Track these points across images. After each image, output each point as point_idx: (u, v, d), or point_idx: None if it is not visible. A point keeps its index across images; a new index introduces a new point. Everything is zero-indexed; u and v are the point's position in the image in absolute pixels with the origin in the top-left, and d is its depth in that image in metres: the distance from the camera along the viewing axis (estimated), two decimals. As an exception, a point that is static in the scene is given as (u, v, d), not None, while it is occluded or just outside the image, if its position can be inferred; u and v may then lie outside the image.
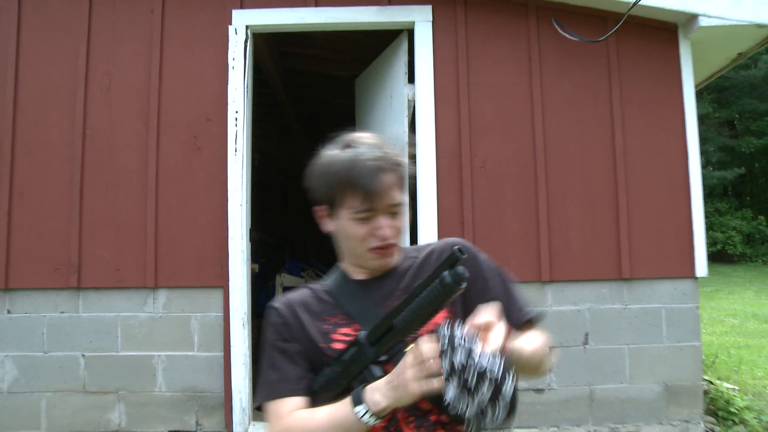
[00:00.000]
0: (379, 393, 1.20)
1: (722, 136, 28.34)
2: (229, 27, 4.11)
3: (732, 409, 4.53)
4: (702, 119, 27.52)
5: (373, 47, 4.71)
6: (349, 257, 1.48)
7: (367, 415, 1.21)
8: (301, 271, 6.11)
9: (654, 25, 4.20)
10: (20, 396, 4.01)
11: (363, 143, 1.40)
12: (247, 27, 4.12)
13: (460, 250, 1.15)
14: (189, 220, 4.02)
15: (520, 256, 4.04)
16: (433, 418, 1.37)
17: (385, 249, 1.42)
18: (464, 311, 1.38)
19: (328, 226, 1.45)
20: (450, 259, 1.13)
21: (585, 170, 4.13)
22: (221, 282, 3.98)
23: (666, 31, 4.21)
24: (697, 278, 4.25)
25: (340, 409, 1.26)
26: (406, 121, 4.17)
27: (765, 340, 8.74)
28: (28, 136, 4.08)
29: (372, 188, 1.34)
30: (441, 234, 3.98)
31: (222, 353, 3.97)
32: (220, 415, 3.98)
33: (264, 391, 1.41)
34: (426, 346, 1.13)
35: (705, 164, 25.51)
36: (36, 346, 4.02)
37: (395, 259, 1.48)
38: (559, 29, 4.10)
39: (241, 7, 4.14)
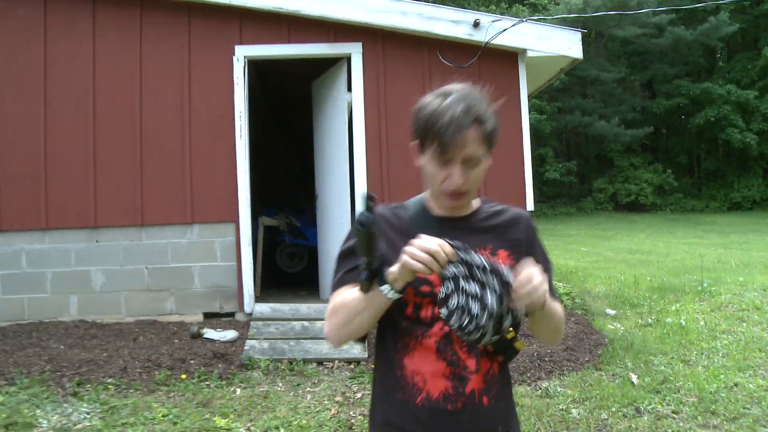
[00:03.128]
0: (391, 272, 1.46)
1: (637, 97, 31.28)
2: (233, 57, 6.44)
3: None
4: (619, 82, 30.43)
5: (326, 67, 7.08)
6: (430, 192, 1.68)
7: (387, 288, 1.48)
8: (275, 214, 8.48)
9: (503, 54, 6.67)
10: (107, 294, 6.38)
11: (455, 95, 1.52)
12: (245, 57, 6.46)
13: (370, 196, 1.41)
14: (212, 180, 6.39)
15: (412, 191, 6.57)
16: (480, 346, 1.55)
17: (456, 196, 1.58)
18: (517, 253, 1.62)
19: (419, 160, 1.60)
20: (366, 200, 1.42)
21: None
22: (234, 218, 6.39)
23: (511, 57, 6.70)
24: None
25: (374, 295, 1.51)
26: (346, 116, 6.60)
27: (621, 264, 11.58)
28: (105, 130, 6.37)
29: (449, 139, 1.48)
30: (370, 184, 6.42)
31: (235, 263, 6.40)
32: (234, 301, 6.43)
33: (333, 281, 1.69)
34: (426, 238, 1.41)
35: (619, 124, 28.41)
36: (116, 263, 6.38)
37: (469, 204, 1.68)
38: (441, 58, 6.56)
39: (241, 43, 6.46)
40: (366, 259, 1.46)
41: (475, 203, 1.71)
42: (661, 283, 9.01)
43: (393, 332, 1.63)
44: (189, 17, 6.43)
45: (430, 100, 1.56)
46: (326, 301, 5.96)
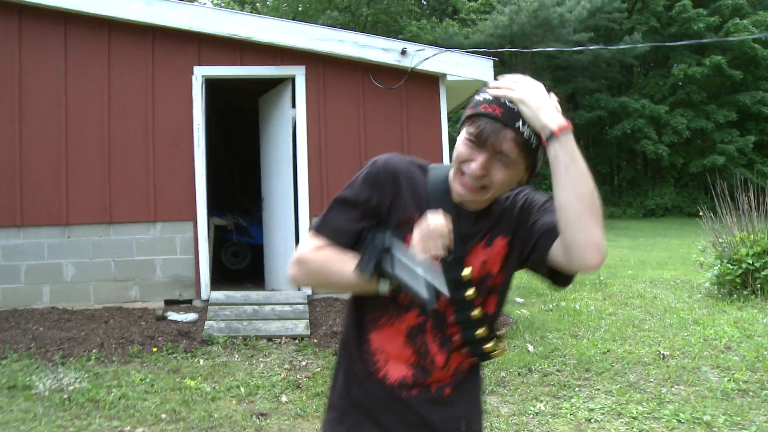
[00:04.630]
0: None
1: (561, 109, 33.14)
2: (192, 76, 7.36)
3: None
4: (544, 95, 32.17)
5: (272, 84, 8.06)
6: (451, 173, 1.57)
7: (385, 286, 1.51)
8: (224, 215, 9.40)
9: (426, 77, 7.78)
10: (77, 284, 7.19)
11: (517, 97, 1.46)
12: (203, 76, 7.38)
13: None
14: (173, 183, 7.29)
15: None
16: (455, 341, 1.60)
17: (469, 185, 1.51)
18: (517, 229, 1.59)
19: (458, 136, 1.54)
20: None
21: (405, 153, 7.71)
22: (192, 217, 7.30)
23: (433, 80, 7.82)
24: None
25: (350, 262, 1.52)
26: (290, 129, 7.61)
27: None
28: (76, 138, 7.18)
29: (488, 128, 1.44)
30: (311, 188, 7.43)
31: (193, 256, 7.31)
32: (192, 289, 7.33)
33: (318, 221, 1.63)
34: (436, 222, 1.48)
35: (544, 134, 30.08)
36: (86, 256, 7.20)
37: (482, 203, 1.58)
38: (373, 80, 7.63)
39: (199, 64, 7.38)
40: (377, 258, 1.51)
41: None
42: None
43: (369, 303, 1.63)
44: (153, 40, 7.32)
45: (491, 89, 1.52)
46: (272, 290, 7.05)
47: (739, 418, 4.21)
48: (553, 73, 32.85)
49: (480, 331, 1.60)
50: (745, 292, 7.58)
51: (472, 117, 1.50)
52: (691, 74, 28.86)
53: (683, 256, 12.71)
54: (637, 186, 32.00)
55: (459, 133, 1.54)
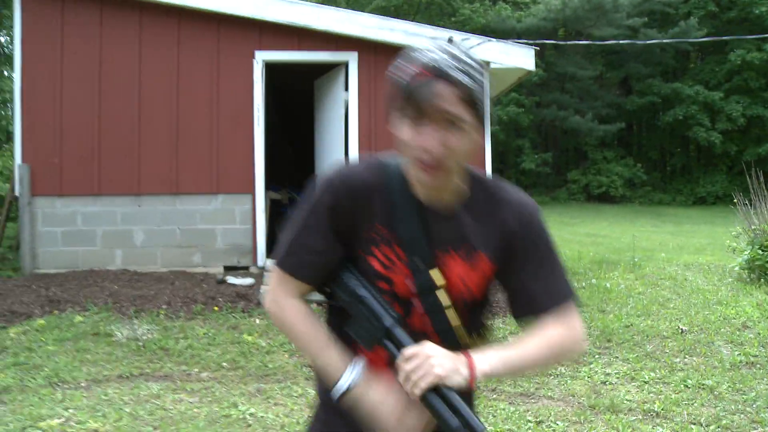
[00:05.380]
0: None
1: (612, 94, 32.94)
2: (254, 60, 7.97)
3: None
4: (596, 79, 32.10)
5: (326, 68, 8.61)
6: (408, 164, 1.38)
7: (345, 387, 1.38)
8: (279, 189, 10.07)
9: (471, 64, 8.23)
10: (146, 248, 7.92)
11: (437, 48, 1.30)
12: (263, 60, 7.99)
13: None
14: (234, 158, 7.94)
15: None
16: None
17: (430, 167, 1.30)
18: (506, 259, 1.43)
19: (393, 128, 1.36)
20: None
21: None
22: (250, 190, 7.95)
23: (477, 67, 8.26)
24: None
25: (335, 360, 1.40)
26: (343, 111, 8.17)
27: (575, 244, 13.26)
28: (148, 116, 7.87)
29: (424, 90, 1.24)
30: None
31: (251, 226, 7.97)
32: (249, 256, 8.00)
33: (281, 252, 1.44)
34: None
35: (593, 118, 30.13)
36: (154, 224, 7.92)
37: (452, 185, 1.39)
38: (421, 67, 8.11)
39: (260, 49, 7.99)
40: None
41: (465, 186, 1.43)
42: (602, 258, 10.69)
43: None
44: (218, 26, 7.95)
45: (407, 53, 1.35)
46: None
47: (741, 386, 4.63)
48: (605, 58, 32.68)
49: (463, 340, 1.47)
50: (774, 277, 7.90)
51: (400, 92, 1.31)
52: (749, 60, 28.37)
53: (723, 243, 12.91)
54: (688, 173, 31.73)
55: (391, 120, 1.37)
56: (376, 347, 1.39)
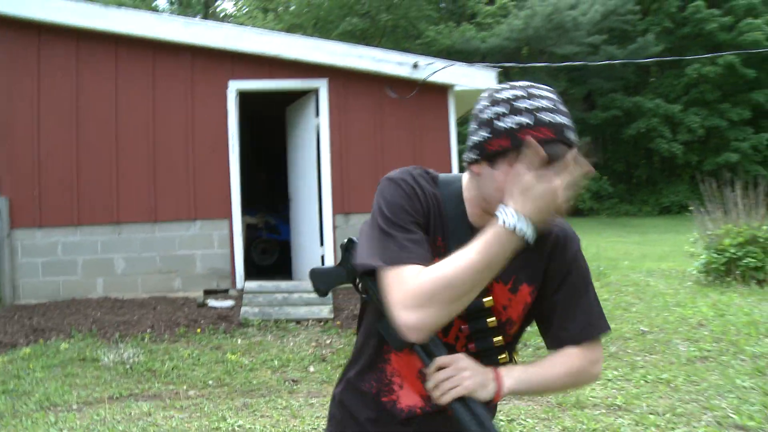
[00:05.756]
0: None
1: (576, 110, 33.71)
2: (227, 89, 8.26)
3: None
4: (561, 95, 32.79)
5: (297, 95, 8.93)
6: (482, 201, 1.42)
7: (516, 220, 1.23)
8: (255, 213, 10.32)
9: (436, 88, 8.60)
10: (127, 276, 8.11)
11: (550, 100, 1.33)
12: (236, 89, 8.28)
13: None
14: (211, 185, 8.19)
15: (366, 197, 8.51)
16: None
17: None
18: (546, 290, 1.49)
19: (477, 165, 1.39)
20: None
21: (416, 156, 8.54)
22: (228, 215, 8.19)
23: (443, 91, 8.64)
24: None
25: (487, 235, 1.25)
26: (314, 136, 8.48)
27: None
28: (125, 146, 8.10)
29: (547, 151, 1.25)
30: (334, 188, 8.29)
31: (229, 250, 8.20)
32: (228, 279, 8.22)
33: (383, 255, 1.35)
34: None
35: (559, 134, 30.73)
36: (134, 251, 8.12)
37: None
38: (388, 91, 8.47)
39: (233, 78, 8.28)
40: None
41: None
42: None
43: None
44: (192, 58, 8.23)
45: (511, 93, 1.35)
46: (300, 280, 7.95)
47: (695, 377, 5.00)
48: (568, 75, 33.46)
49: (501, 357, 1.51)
50: (729, 279, 8.33)
51: (516, 147, 1.29)
52: (704, 73, 29.34)
53: (686, 250, 13.43)
54: (652, 184, 32.51)
55: (482, 166, 1.38)
56: (406, 350, 1.42)
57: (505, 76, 24.68)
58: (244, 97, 8.75)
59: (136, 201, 8.10)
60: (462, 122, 10.12)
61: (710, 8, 30.08)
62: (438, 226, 1.46)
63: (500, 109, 1.33)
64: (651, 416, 4.30)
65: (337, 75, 8.45)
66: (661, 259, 12.39)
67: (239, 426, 4.50)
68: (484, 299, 1.44)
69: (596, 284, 6.57)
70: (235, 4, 38.44)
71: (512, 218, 1.23)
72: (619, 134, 33.46)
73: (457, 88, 8.56)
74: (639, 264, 11.48)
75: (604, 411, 4.49)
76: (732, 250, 8.24)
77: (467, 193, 1.47)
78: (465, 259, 1.26)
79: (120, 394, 5.26)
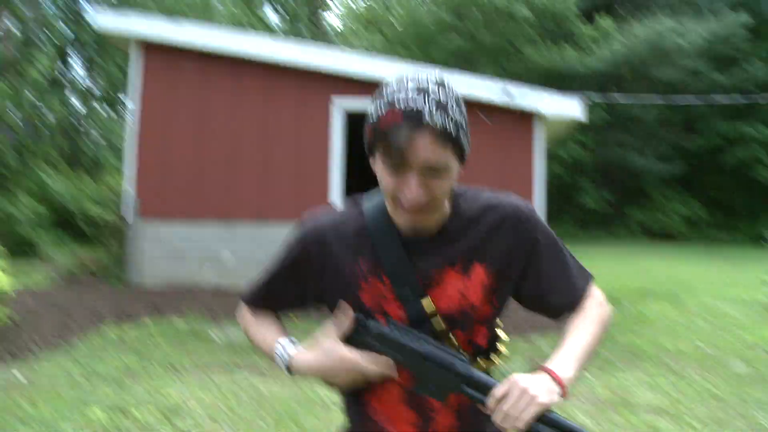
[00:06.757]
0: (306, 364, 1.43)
1: (673, 134, 33.16)
2: (333, 107, 9.20)
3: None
4: (658, 120, 32.50)
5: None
6: (387, 202, 1.40)
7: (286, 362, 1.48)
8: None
9: (524, 113, 9.23)
10: (236, 269, 9.15)
11: (408, 82, 1.27)
12: (342, 108, 9.21)
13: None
14: (313, 192, 9.14)
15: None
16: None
17: (412, 210, 1.31)
18: (510, 264, 1.43)
19: (373, 166, 1.37)
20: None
21: (499, 178, 9.19)
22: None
23: (528, 116, 9.27)
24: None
25: (270, 343, 1.55)
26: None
27: (622, 275, 13.91)
28: (241, 157, 9.16)
29: (395, 139, 1.22)
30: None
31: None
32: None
33: (247, 290, 1.68)
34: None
35: (656, 158, 30.53)
36: (243, 247, 9.16)
37: (436, 218, 1.39)
38: (480, 115, 9.15)
39: (338, 96, 9.21)
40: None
41: (447, 208, 1.43)
42: (641, 288, 11.49)
43: None
44: (303, 79, 9.25)
45: (380, 99, 1.29)
46: None
47: (742, 391, 5.48)
48: (667, 99, 32.99)
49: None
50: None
51: (375, 134, 1.29)
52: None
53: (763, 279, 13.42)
54: (748, 212, 31.59)
55: (371, 159, 1.37)
56: (451, 395, 1.38)
57: (605, 99, 24.85)
58: (349, 116, 9.66)
59: (247, 203, 9.16)
60: (556, 144, 10.66)
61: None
62: (362, 250, 1.45)
63: (374, 102, 1.34)
64: (691, 421, 4.82)
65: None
66: (743, 286, 12.48)
67: (327, 396, 5.32)
68: (422, 300, 1.39)
69: (667, 305, 7.07)
70: (339, 17, 39.88)
71: (283, 358, 1.49)
72: (716, 160, 32.71)
73: (543, 114, 9.15)
74: (718, 289, 11.67)
75: (647, 412, 5.04)
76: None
77: (388, 201, 1.41)
78: (260, 340, 1.62)
79: (226, 363, 6.20)
